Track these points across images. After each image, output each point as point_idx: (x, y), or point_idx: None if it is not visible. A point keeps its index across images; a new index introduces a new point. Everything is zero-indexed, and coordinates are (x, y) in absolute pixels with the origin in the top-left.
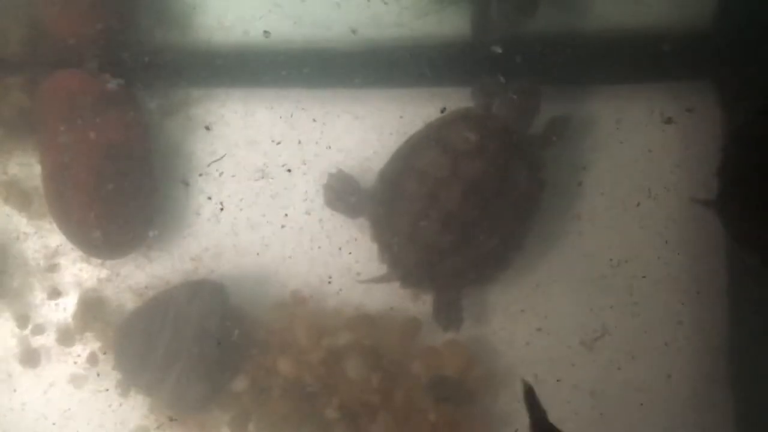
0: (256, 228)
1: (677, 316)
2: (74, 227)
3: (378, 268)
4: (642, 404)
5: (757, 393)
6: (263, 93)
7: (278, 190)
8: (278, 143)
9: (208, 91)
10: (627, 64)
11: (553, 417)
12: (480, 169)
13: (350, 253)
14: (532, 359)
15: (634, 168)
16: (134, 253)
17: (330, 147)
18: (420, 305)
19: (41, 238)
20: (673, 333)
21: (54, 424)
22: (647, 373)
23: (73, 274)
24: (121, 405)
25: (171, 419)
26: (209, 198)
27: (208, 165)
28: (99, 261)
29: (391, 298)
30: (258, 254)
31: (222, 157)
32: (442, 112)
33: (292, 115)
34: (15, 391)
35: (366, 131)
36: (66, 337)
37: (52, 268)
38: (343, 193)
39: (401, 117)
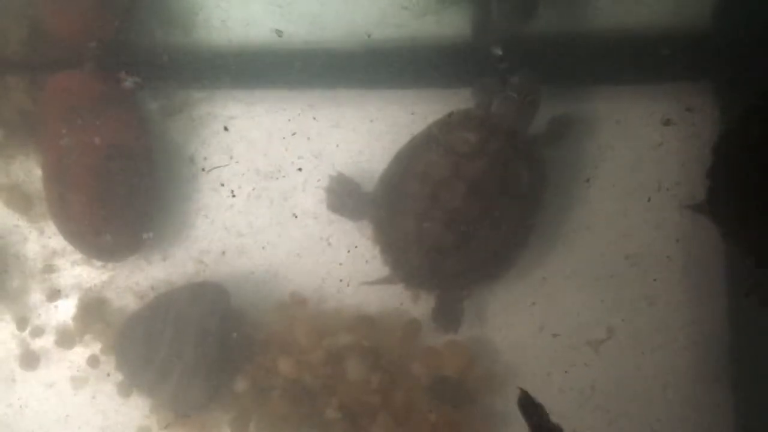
0: (257, 230)
1: (678, 317)
2: (74, 230)
3: (380, 269)
4: (642, 404)
5: (757, 393)
6: (265, 94)
7: (280, 192)
8: (280, 145)
9: (210, 92)
10: (627, 64)
11: (554, 417)
12: (481, 170)
13: (351, 253)
14: (533, 359)
15: (639, 167)
16: (136, 255)
17: (337, 147)
18: (420, 306)
19: (42, 240)
20: (674, 333)
21: (56, 422)
22: (648, 373)
23: (73, 276)
24: (122, 406)
25: (176, 419)
26: (213, 195)
27: (208, 172)
28: (100, 263)
29: (391, 299)
30: (259, 256)
31: (224, 166)
32: (449, 117)
33: (289, 120)
34: (15, 391)
35: (372, 132)
36: (66, 339)
37: (52, 269)
38: (344, 196)
39: (413, 114)
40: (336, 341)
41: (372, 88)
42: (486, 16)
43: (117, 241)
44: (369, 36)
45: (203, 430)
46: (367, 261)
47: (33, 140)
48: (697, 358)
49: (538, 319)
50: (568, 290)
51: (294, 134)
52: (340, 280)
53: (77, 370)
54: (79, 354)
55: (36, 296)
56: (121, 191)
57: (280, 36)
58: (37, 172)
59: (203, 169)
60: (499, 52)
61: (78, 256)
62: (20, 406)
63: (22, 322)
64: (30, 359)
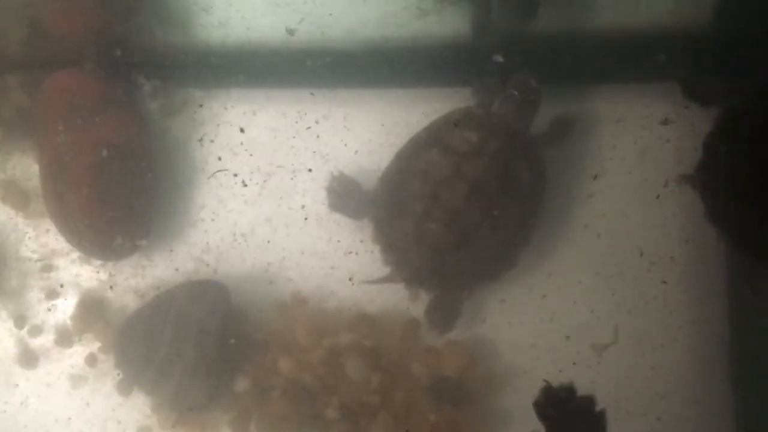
0: (257, 229)
1: (678, 317)
2: (73, 228)
3: (380, 269)
4: (642, 404)
5: (757, 393)
6: (266, 94)
7: (281, 192)
8: (284, 144)
9: (211, 92)
10: (627, 64)
11: None
12: (481, 169)
13: (351, 253)
14: (533, 359)
15: (639, 167)
16: (136, 254)
17: (337, 148)
18: (420, 306)
19: (39, 239)
20: (674, 333)
21: (56, 421)
22: (648, 373)
23: (72, 274)
24: (122, 405)
25: (180, 417)
26: (213, 195)
27: (208, 178)
28: (100, 262)
29: (391, 298)
30: (259, 255)
31: (225, 170)
32: (455, 125)
33: (297, 122)
34: (14, 390)
35: (372, 132)
36: (64, 337)
37: (51, 268)
38: (345, 196)
39: (413, 113)
40: (336, 341)
41: (372, 88)
42: (486, 16)
43: (116, 240)
44: (352, 33)
45: (203, 429)
46: (367, 261)
47: (31, 138)
48: (697, 358)
49: (539, 319)
50: (570, 290)
51: (297, 135)
52: (341, 280)
53: (77, 369)
54: (79, 353)
55: (34, 295)
56: (121, 190)
57: (291, 35)
58: (34, 170)
59: (203, 171)
60: (500, 59)
61: (77, 254)
62: (20, 404)
63: (20, 320)
64: (29, 358)
